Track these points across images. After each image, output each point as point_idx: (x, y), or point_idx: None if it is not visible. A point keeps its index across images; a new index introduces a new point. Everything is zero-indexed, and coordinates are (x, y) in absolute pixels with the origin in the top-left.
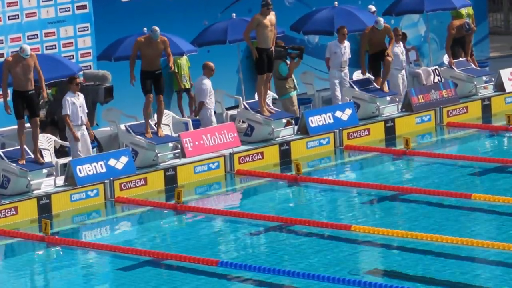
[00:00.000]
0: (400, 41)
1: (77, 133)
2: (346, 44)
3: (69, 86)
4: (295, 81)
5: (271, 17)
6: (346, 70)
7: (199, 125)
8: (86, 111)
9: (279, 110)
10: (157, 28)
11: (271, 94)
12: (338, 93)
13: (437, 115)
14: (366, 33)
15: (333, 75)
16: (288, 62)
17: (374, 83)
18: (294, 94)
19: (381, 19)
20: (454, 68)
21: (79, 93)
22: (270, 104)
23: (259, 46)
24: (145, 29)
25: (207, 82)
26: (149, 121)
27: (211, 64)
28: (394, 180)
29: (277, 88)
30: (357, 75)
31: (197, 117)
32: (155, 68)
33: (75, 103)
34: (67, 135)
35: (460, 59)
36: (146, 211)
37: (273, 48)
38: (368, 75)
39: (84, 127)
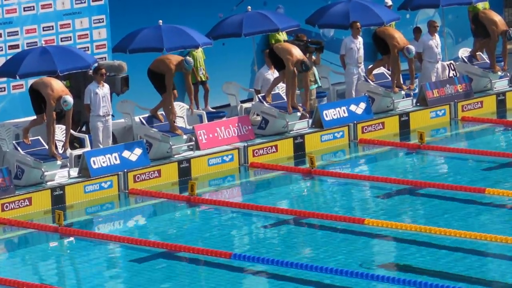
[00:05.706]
0: (435, 34)
1: (99, 123)
2: (360, 39)
3: (94, 76)
4: (316, 75)
5: None
6: (362, 66)
7: (214, 117)
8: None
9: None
10: (192, 61)
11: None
12: (354, 91)
13: (452, 109)
14: None
15: (351, 72)
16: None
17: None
18: (314, 87)
19: None
20: (468, 62)
21: (104, 84)
22: (283, 95)
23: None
24: (161, 21)
25: None
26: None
27: None
28: (408, 174)
29: (298, 81)
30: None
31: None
32: None
33: (98, 93)
34: (90, 125)
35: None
36: (159, 203)
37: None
38: (383, 69)
39: (107, 117)
